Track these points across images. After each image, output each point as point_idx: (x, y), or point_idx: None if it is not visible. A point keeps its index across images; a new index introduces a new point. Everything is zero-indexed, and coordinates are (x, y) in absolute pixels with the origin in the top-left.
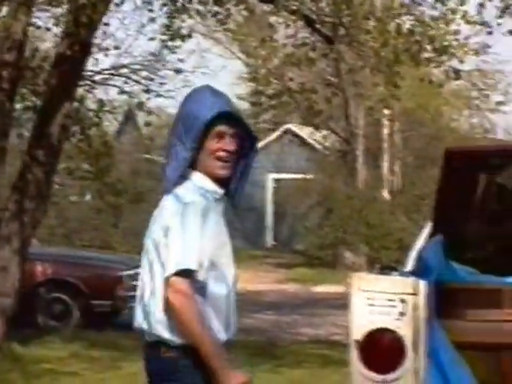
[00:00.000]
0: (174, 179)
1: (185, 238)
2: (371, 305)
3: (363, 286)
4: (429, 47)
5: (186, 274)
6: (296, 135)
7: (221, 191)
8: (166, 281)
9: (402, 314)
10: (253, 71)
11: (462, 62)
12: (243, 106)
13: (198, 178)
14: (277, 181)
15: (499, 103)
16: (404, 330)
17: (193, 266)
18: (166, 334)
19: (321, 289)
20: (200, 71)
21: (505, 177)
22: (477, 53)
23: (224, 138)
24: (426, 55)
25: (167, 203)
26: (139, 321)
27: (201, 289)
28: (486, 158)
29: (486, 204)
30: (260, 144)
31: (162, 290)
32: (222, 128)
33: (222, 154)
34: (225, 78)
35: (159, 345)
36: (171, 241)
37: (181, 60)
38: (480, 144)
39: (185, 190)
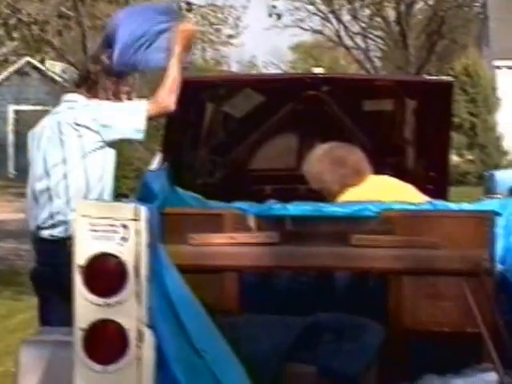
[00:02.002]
0: None
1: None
2: (93, 230)
3: (85, 212)
4: None
5: None
6: (36, 67)
7: None
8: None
9: (123, 239)
10: None
11: None
12: None
13: None
14: (17, 112)
15: (230, 36)
16: (126, 255)
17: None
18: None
19: None
20: None
21: (231, 105)
22: None
23: None
24: None
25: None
26: (39, 221)
27: None
28: (212, 87)
29: (213, 133)
30: (0, 77)
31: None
32: None
33: None
34: None
35: (65, 240)
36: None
37: None
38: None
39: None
